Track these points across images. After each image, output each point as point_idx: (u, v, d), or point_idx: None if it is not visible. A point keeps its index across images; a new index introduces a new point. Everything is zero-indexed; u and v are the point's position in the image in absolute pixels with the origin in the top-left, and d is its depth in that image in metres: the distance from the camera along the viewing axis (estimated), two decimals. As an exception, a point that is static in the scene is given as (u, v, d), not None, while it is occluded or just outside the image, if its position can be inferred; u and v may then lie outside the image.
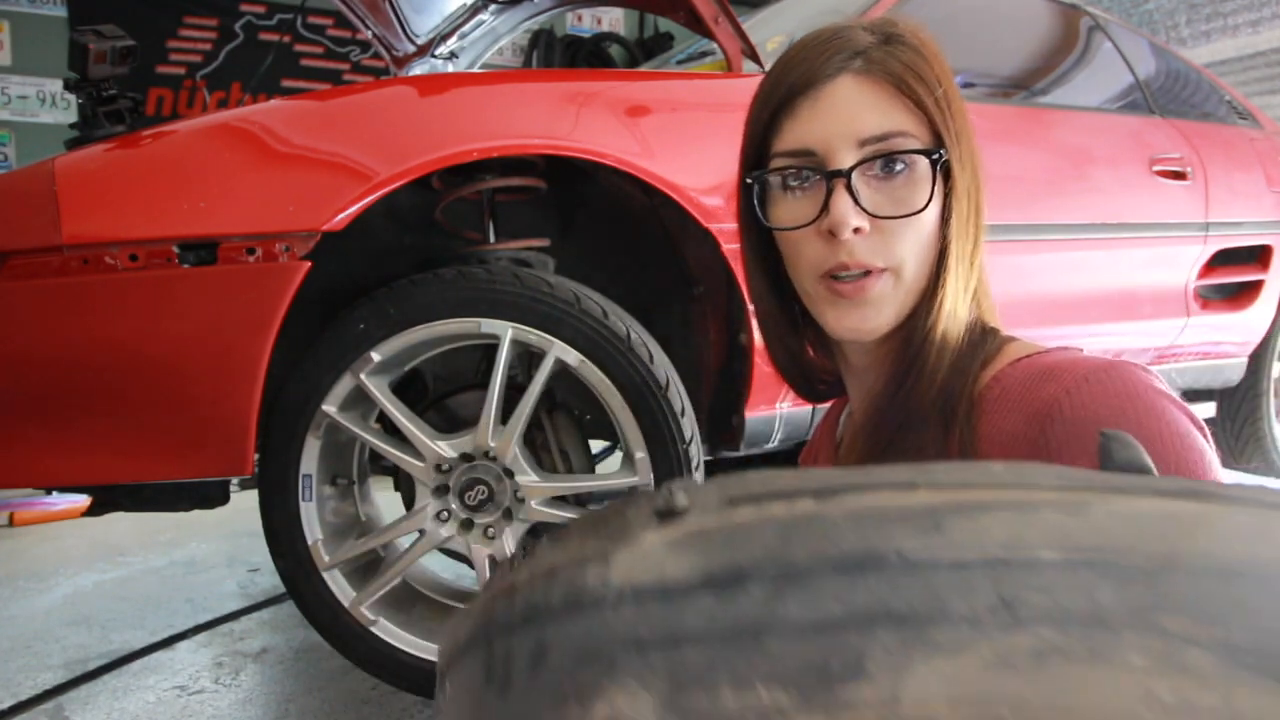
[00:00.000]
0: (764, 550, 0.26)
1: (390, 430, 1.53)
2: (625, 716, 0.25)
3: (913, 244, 0.65)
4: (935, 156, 0.65)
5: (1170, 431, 0.55)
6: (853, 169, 0.64)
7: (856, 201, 0.64)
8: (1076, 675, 0.23)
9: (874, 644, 0.24)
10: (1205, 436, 0.58)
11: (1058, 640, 0.23)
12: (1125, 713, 0.23)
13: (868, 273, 0.65)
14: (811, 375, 0.81)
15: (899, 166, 0.65)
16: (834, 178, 0.64)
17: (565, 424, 1.60)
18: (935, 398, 0.65)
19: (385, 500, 1.76)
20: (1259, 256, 2.70)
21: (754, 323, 1.57)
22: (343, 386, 1.41)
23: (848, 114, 0.65)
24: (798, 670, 0.24)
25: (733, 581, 0.26)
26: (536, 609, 0.29)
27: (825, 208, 0.65)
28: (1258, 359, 2.82)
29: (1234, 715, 0.22)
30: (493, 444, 1.44)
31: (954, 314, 0.67)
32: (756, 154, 0.72)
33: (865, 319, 0.67)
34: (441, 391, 1.64)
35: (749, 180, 0.71)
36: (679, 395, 1.47)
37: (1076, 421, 0.57)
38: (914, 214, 0.65)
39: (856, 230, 0.64)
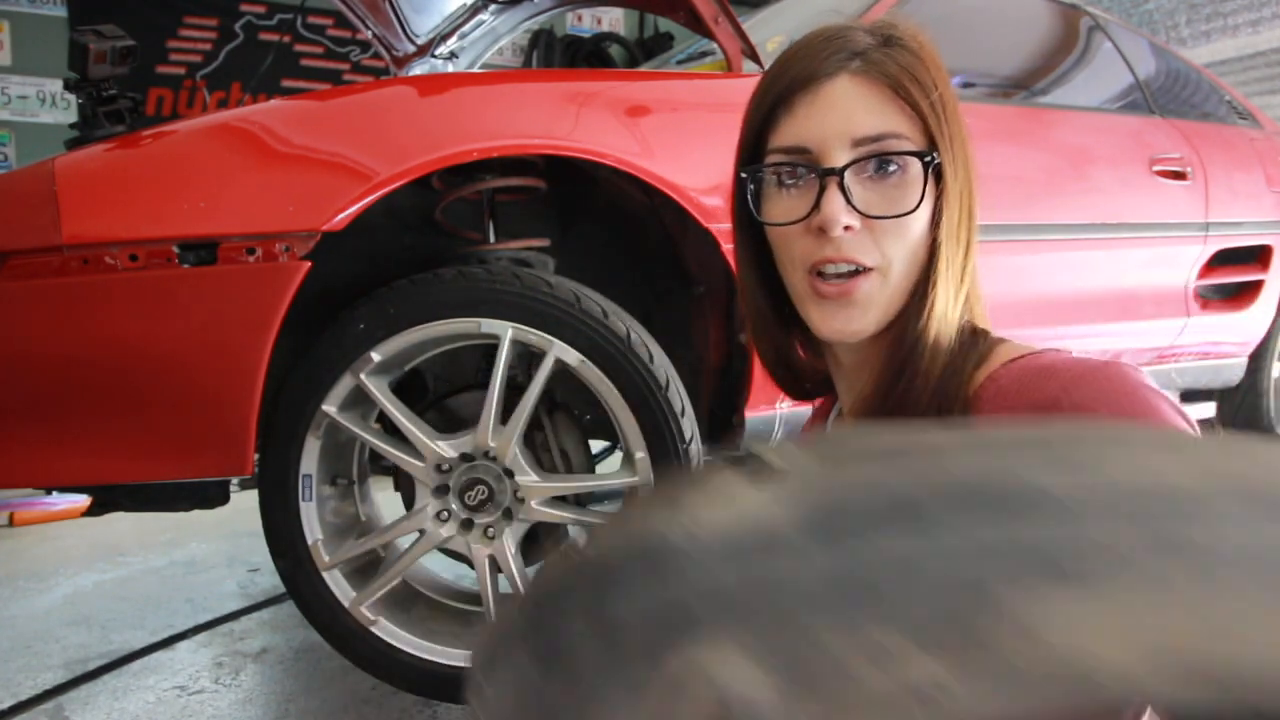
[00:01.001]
0: (874, 493, 0.26)
1: (390, 430, 1.53)
2: (720, 673, 0.24)
3: (902, 245, 0.66)
4: (928, 159, 0.66)
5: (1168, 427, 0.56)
6: (845, 168, 0.65)
7: (848, 200, 0.65)
8: (1232, 607, 0.22)
9: (1008, 580, 0.23)
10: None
11: (1204, 572, 0.23)
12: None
13: (855, 273, 0.66)
14: (799, 373, 0.82)
15: (892, 167, 0.66)
16: (827, 175, 0.66)
17: (565, 424, 1.60)
18: (929, 399, 0.66)
19: (385, 500, 1.76)
20: (1259, 256, 2.70)
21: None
22: (343, 386, 1.41)
23: (843, 113, 0.66)
24: (919, 612, 0.23)
25: (840, 527, 0.25)
26: (608, 580, 0.28)
27: (817, 205, 0.66)
28: (1258, 359, 2.82)
29: None
30: (493, 444, 1.44)
31: (945, 316, 0.67)
32: (753, 149, 0.72)
33: (850, 320, 0.68)
34: (441, 391, 1.64)
35: (743, 175, 0.72)
36: (679, 395, 1.47)
37: (1075, 418, 0.57)
38: (904, 215, 0.66)
39: (847, 228, 0.65)
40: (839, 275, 0.67)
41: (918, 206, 0.66)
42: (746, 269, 0.77)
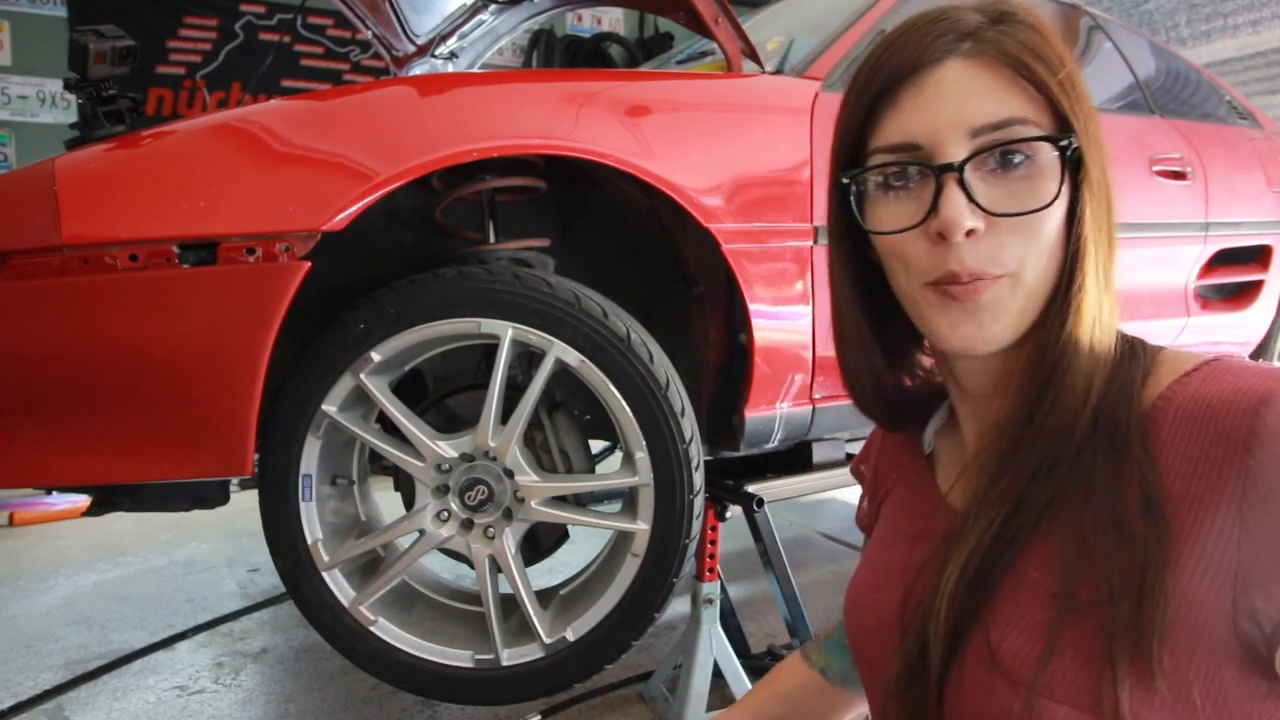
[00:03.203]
0: None
1: (390, 430, 1.53)
2: None
3: (1036, 245, 0.58)
4: (1065, 143, 0.58)
5: None
6: (965, 162, 0.57)
7: (971, 199, 0.57)
8: None
9: None
10: None
11: None
12: None
13: (980, 277, 0.58)
14: (900, 400, 0.74)
15: (1018, 158, 0.58)
16: (944, 173, 0.57)
17: (565, 424, 1.60)
18: (1089, 421, 0.57)
19: (385, 500, 1.76)
20: (1259, 256, 2.70)
21: (754, 322, 1.58)
22: (343, 386, 1.41)
23: (957, 101, 0.58)
24: None
25: None
26: None
27: (934, 208, 0.58)
28: (1258, 359, 2.83)
29: None
30: (493, 444, 1.44)
31: (1098, 322, 0.59)
32: (851, 151, 0.64)
33: (981, 326, 0.59)
34: (441, 391, 1.64)
35: (845, 180, 0.63)
36: (679, 395, 1.47)
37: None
38: (1040, 210, 0.57)
39: (970, 233, 0.57)
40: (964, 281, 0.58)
41: (1055, 199, 0.58)
42: (843, 284, 0.69)
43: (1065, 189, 0.59)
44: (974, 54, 0.59)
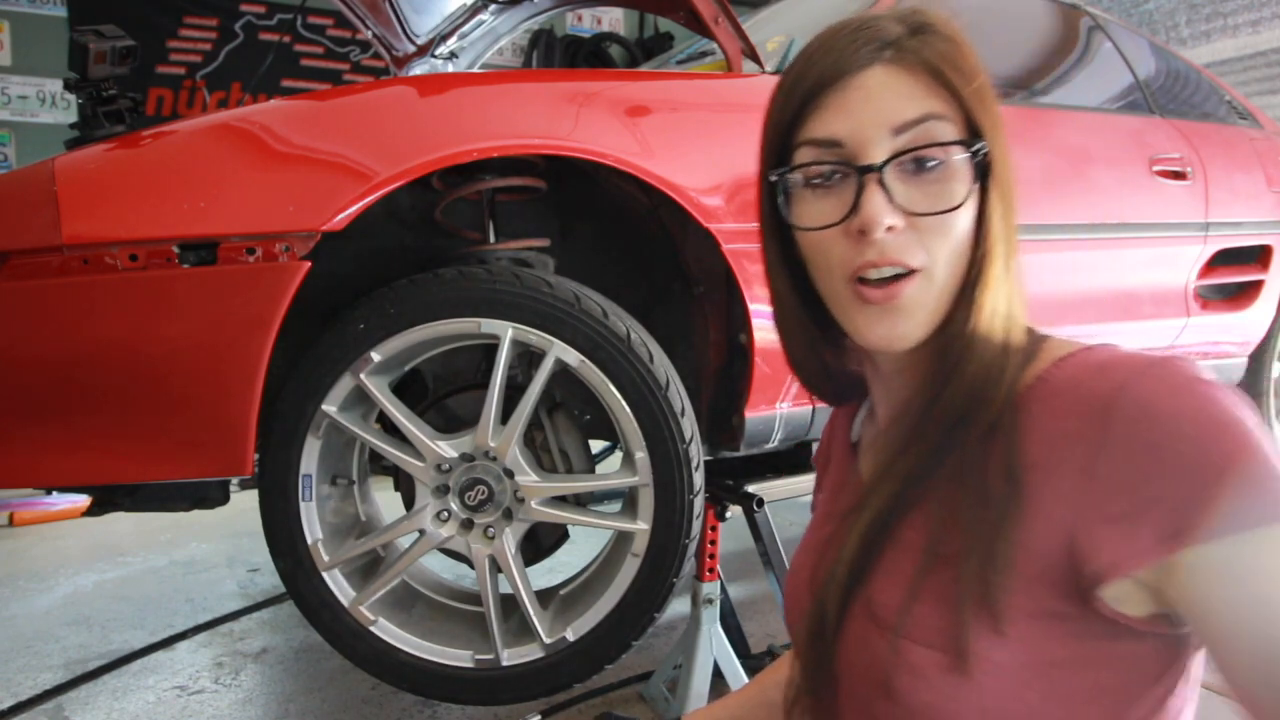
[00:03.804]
0: None
1: (390, 430, 1.53)
2: None
3: (947, 243, 0.63)
4: (975, 149, 0.62)
5: (1228, 419, 0.54)
6: (885, 163, 0.62)
7: (890, 198, 0.62)
8: None
9: None
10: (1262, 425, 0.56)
11: None
12: None
13: (899, 276, 0.63)
14: (837, 379, 0.79)
15: (933, 161, 0.62)
16: (866, 173, 0.62)
17: (565, 424, 1.60)
18: (980, 404, 0.63)
19: (385, 500, 1.76)
20: (1259, 256, 2.70)
21: (754, 322, 1.58)
22: (343, 386, 1.41)
23: (879, 103, 0.62)
24: None
25: None
26: None
27: (856, 206, 0.62)
28: (1258, 359, 2.82)
29: None
30: (493, 444, 1.44)
31: (997, 315, 0.64)
32: (778, 151, 0.68)
33: (896, 325, 0.64)
34: (441, 391, 1.64)
35: (772, 179, 0.68)
36: (679, 395, 1.47)
37: (1137, 416, 0.55)
38: (952, 210, 0.62)
39: (890, 229, 0.61)
40: (882, 279, 0.63)
41: (965, 200, 0.62)
42: (778, 276, 0.73)
43: (974, 192, 0.63)
44: (895, 61, 0.63)
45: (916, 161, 0.62)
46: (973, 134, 0.63)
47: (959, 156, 0.62)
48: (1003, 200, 0.64)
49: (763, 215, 0.72)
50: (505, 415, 1.45)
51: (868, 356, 0.73)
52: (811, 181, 0.65)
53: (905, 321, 0.64)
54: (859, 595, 0.66)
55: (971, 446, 0.62)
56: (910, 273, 0.63)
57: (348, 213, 1.30)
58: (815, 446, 1.01)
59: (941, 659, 0.59)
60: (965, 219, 0.63)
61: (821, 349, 0.76)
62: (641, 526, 1.46)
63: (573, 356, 1.42)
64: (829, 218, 0.64)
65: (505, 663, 1.50)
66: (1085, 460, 0.56)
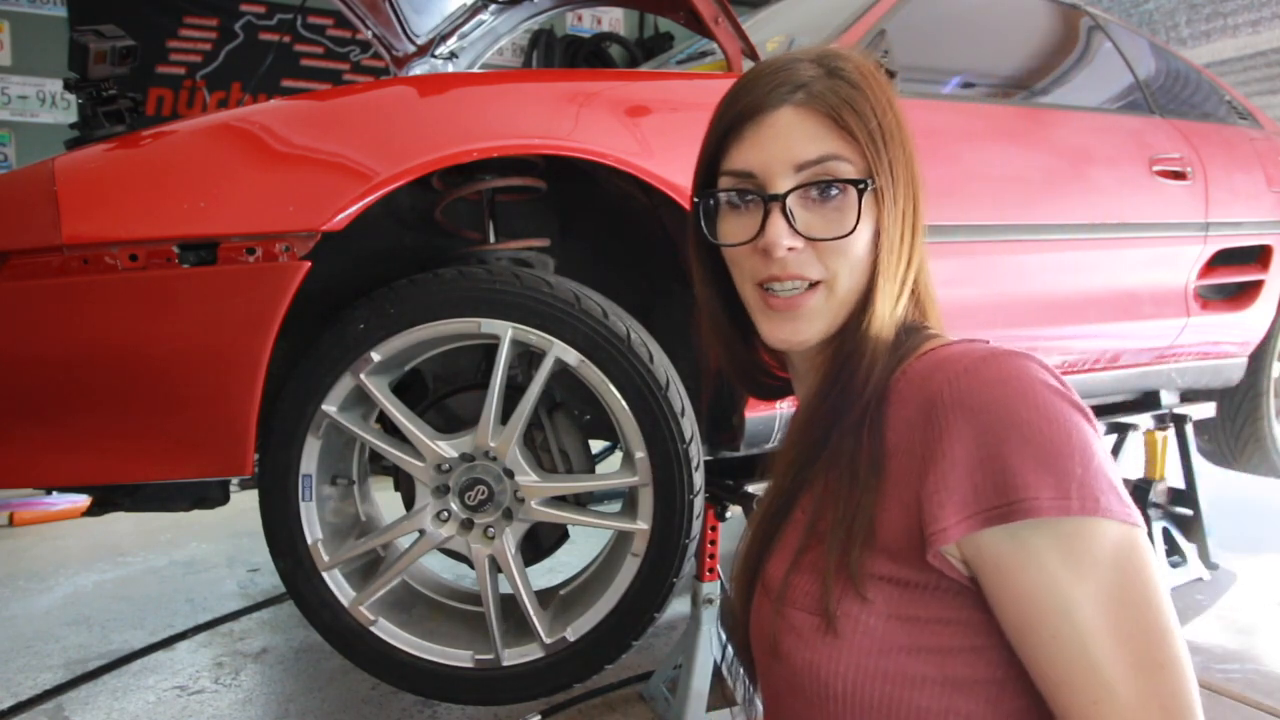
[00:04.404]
0: None
1: (390, 430, 1.53)
2: None
3: (845, 260, 0.72)
4: (862, 185, 0.71)
5: (1041, 415, 0.60)
6: (787, 194, 0.71)
7: (791, 224, 0.71)
8: None
9: None
10: (1090, 424, 0.63)
11: None
12: None
13: (807, 287, 0.72)
14: (755, 375, 0.88)
15: (834, 191, 0.71)
16: (771, 201, 0.71)
17: (565, 424, 1.60)
18: (863, 398, 0.71)
19: (385, 500, 1.76)
20: (1259, 256, 2.70)
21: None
22: (343, 386, 1.41)
23: (786, 142, 0.71)
24: None
25: None
26: None
27: (762, 229, 0.72)
28: (1258, 359, 2.82)
29: None
30: (493, 444, 1.44)
31: (887, 320, 0.73)
32: (706, 175, 0.78)
33: (797, 330, 0.74)
34: (441, 391, 1.64)
35: (697, 200, 0.78)
36: (679, 395, 1.47)
37: (955, 407, 0.63)
38: (842, 237, 0.71)
39: (791, 249, 0.71)
40: (786, 290, 0.73)
41: (854, 228, 0.71)
42: (704, 285, 0.83)
43: (868, 219, 0.72)
44: (804, 104, 0.72)
45: (820, 192, 0.71)
46: (870, 170, 0.72)
47: (852, 191, 0.71)
48: (901, 221, 0.73)
49: (690, 228, 0.81)
50: (505, 415, 1.45)
51: (787, 356, 0.83)
52: (731, 203, 0.75)
53: (806, 326, 0.74)
54: (759, 573, 0.77)
55: (848, 435, 0.71)
56: (814, 285, 0.72)
57: (348, 213, 1.30)
58: None
59: (817, 622, 0.68)
60: (862, 240, 0.72)
61: (740, 350, 0.86)
62: (641, 526, 1.46)
63: (573, 356, 1.42)
64: (742, 236, 0.74)
65: (505, 663, 1.50)
66: (921, 445, 0.64)
